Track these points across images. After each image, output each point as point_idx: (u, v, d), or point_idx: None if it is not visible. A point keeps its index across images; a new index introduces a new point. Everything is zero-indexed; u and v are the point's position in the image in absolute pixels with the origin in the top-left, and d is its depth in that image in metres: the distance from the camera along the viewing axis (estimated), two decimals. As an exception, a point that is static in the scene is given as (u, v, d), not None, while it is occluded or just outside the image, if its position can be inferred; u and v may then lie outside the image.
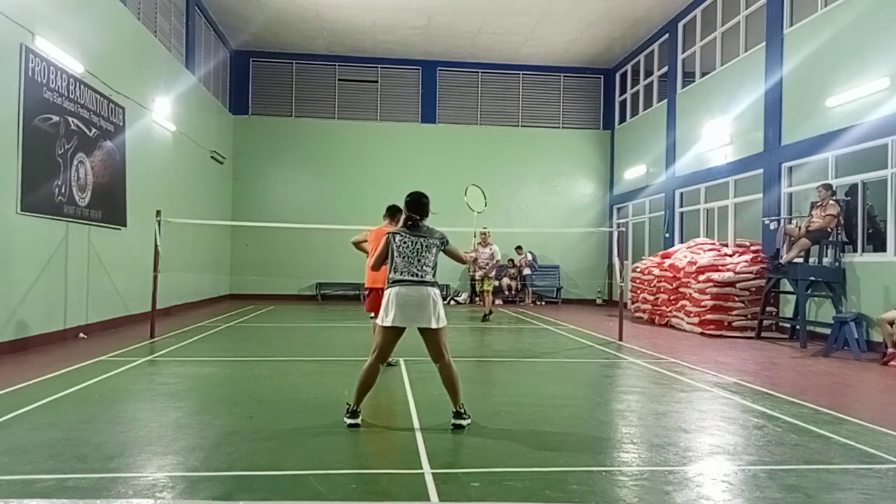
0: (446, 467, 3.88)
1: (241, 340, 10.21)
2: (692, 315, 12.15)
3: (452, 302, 19.31)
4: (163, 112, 13.25)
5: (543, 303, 19.71)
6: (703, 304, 11.90)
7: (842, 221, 10.13)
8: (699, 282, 12.05)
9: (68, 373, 6.75)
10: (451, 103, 20.40)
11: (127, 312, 11.31)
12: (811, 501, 3.43)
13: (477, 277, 14.37)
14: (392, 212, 7.62)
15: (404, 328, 4.90)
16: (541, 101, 20.71)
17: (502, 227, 19.17)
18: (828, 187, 10.27)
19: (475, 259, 13.42)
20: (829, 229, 10.15)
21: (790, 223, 11.43)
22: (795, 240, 10.55)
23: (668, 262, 13.64)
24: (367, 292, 7.85)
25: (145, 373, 7.00)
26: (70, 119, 9.40)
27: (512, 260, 19.67)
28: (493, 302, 14.73)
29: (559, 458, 4.14)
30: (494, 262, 13.96)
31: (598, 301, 20.30)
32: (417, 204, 5.23)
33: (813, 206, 10.51)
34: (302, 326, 12.60)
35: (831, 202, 10.13)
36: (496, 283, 19.39)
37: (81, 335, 9.55)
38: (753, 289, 11.74)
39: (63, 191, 9.20)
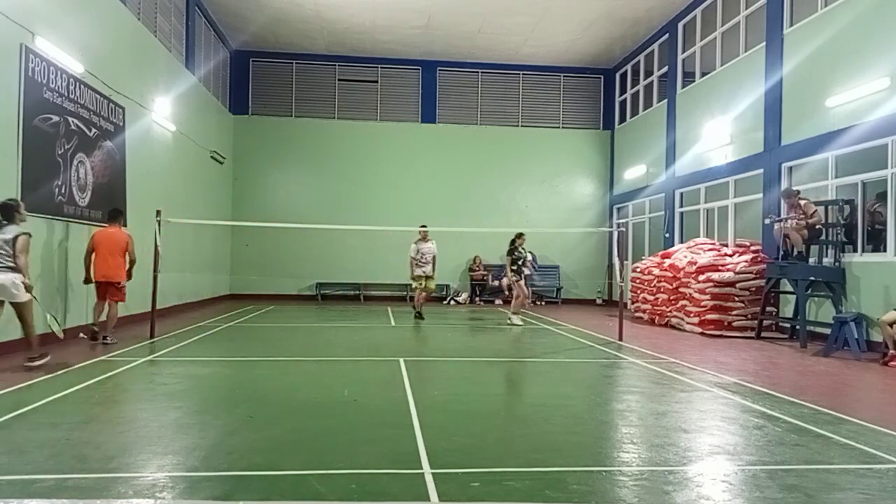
0: (446, 467, 3.87)
1: (241, 340, 10.22)
2: (692, 315, 12.15)
3: (452, 302, 19.30)
4: (163, 112, 13.25)
5: (543, 303, 19.71)
6: (703, 304, 11.90)
7: (838, 220, 10.17)
8: (699, 282, 12.04)
9: (68, 373, 6.75)
10: (451, 103, 20.40)
11: (127, 312, 11.28)
12: (811, 501, 3.43)
13: (416, 274, 13.42)
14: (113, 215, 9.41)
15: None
16: (541, 101, 20.71)
17: (502, 226, 19.22)
18: (790, 194, 10.78)
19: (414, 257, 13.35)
20: (818, 227, 10.38)
21: (786, 223, 11.41)
22: (792, 233, 10.74)
23: (668, 262, 13.64)
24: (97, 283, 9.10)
25: (145, 373, 7.00)
26: (70, 119, 9.40)
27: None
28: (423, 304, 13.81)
29: (559, 458, 4.14)
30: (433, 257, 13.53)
31: (598, 301, 20.29)
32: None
33: (791, 211, 10.83)
34: (302, 326, 12.60)
35: (803, 202, 10.53)
36: (496, 283, 19.44)
37: (81, 335, 9.54)
38: (753, 289, 11.74)
39: (63, 191, 9.20)
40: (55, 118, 8.97)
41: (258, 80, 19.80)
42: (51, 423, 4.73)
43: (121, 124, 11.24)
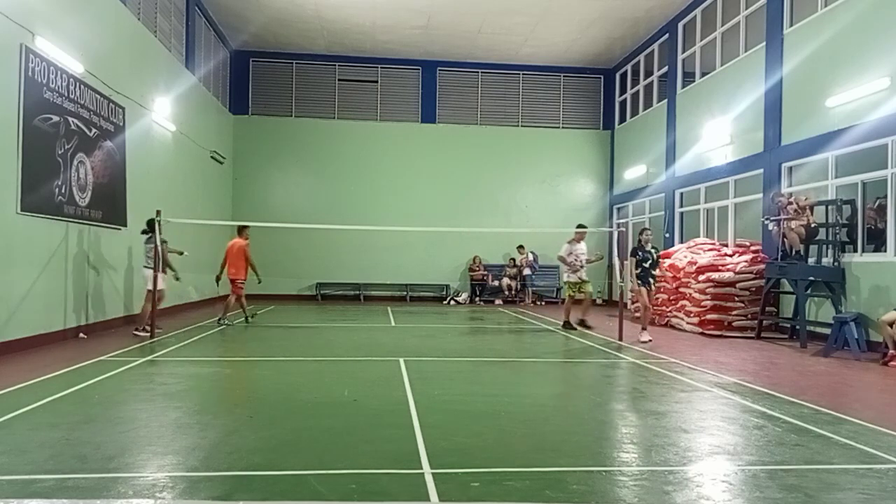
0: (446, 467, 3.87)
1: (241, 340, 10.21)
2: (692, 315, 12.15)
3: (452, 302, 19.30)
4: (163, 112, 13.24)
5: (543, 303, 19.70)
6: (703, 304, 11.89)
7: (837, 220, 10.17)
8: (699, 282, 12.04)
9: (68, 373, 6.75)
10: (451, 103, 20.40)
11: (127, 312, 11.31)
12: (811, 501, 3.43)
13: (571, 281, 11.82)
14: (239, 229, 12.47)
15: None
16: (541, 101, 20.70)
17: (502, 227, 19.23)
18: (776, 197, 11.04)
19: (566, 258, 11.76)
20: (813, 225, 10.53)
21: (784, 224, 11.41)
22: (789, 233, 10.78)
23: (668, 262, 13.63)
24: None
25: (145, 373, 6.99)
26: (70, 119, 9.40)
27: (513, 259, 19.67)
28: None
29: (559, 458, 4.14)
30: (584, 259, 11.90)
31: (598, 301, 20.24)
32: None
33: (783, 211, 10.89)
34: (302, 326, 12.60)
35: (793, 204, 10.70)
36: (496, 283, 19.43)
37: (81, 335, 9.55)
38: (753, 289, 11.73)
39: (63, 191, 9.20)
40: (55, 118, 8.97)
41: (258, 80, 19.80)
42: (51, 423, 4.73)
43: (121, 124, 11.24)
